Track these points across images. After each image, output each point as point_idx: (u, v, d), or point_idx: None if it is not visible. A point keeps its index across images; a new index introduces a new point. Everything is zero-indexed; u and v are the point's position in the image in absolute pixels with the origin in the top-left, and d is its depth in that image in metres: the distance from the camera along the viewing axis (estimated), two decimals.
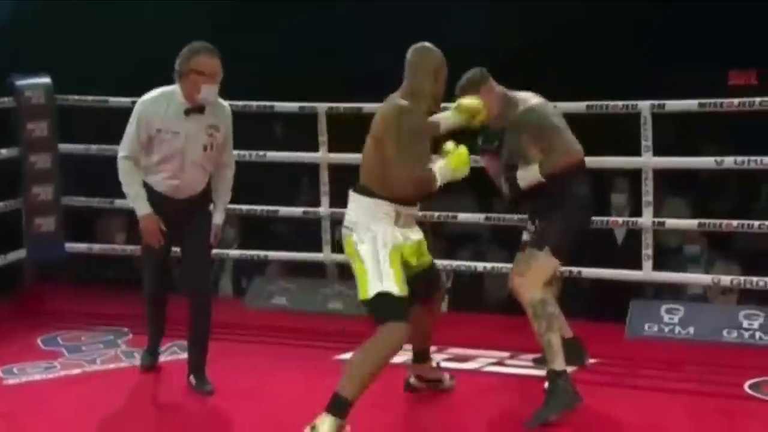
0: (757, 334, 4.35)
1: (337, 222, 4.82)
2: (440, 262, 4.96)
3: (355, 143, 4.30)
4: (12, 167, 4.98)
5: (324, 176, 4.87)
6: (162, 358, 4.21)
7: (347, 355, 4.07)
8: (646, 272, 4.42)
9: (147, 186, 3.64)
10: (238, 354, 4.24)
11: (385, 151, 3.24)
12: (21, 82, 4.95)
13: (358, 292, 3.31)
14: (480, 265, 4.86)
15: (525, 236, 3.81)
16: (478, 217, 4.92)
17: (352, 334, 4.39)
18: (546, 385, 3.50)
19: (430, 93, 3.37)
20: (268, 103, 4.94)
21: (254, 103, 4.88)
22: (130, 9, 6.37)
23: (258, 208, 5.03)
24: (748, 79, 5.83)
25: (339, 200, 4.69)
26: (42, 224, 4.97)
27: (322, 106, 4.80)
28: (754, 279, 4.31)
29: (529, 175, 3.57)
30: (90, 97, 5.10)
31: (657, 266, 4.46)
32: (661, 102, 4.28)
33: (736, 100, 4.16)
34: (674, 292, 4.91)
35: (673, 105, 4.31)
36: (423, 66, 3.36)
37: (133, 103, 4.79)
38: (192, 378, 3.81)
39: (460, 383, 3.90)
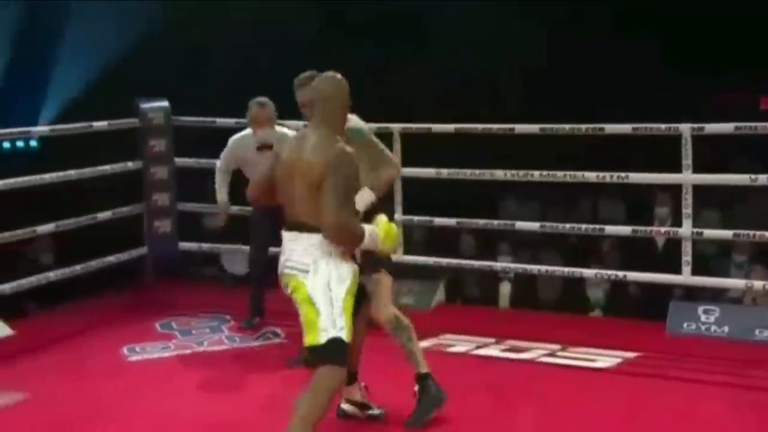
0: None
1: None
2: (502, 264, 5.06)
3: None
4: (136, 177, 5.15)
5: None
6: (256, 343, 4.31)
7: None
8: (686, 276, 4.34)
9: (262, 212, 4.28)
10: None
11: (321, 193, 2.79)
12: (144, 105, 5.12)
13: (304, 337, 2.82)
14: (535, 268, 4.84)
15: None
16: (534, 226, 4.88)
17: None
18: (416, 387, 3.34)
19: (342, 126, 2.96)
20: None
21: None
22: (234, 44, 6.52)
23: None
24: None
25: None
26: (160, 226, 5.11)
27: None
28: None
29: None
30: (201, 118, 5.24)
31: (698, 272, 4.34)
32: (701, 125, 4.21)
33: None
34: (713, 296, 4.79)
35: (712, 128, 4.23)
36: (338, 98, 2.93)
37: (237, 123, 5.07)
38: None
39: (516, 371, 3.90)
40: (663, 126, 4.27)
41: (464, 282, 5.28)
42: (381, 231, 2.97)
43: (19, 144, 6.62)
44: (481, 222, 4.92)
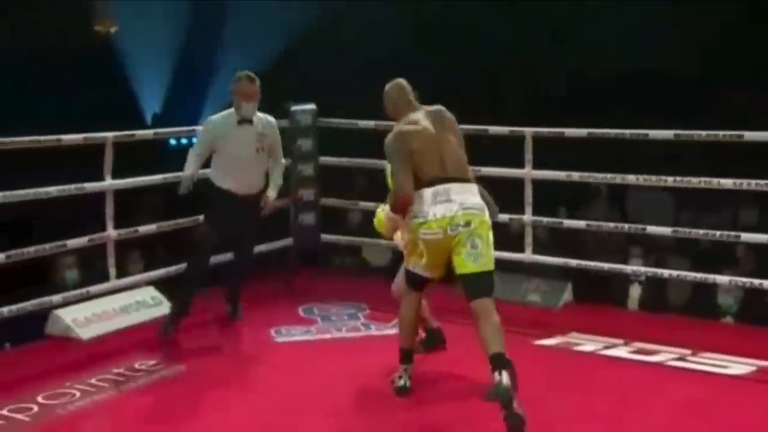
0: None
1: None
2: (633, 268, 4.85)
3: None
4: (285, 174, 5.38)
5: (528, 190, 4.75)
6: (391, 331, 4.35)
7: (545, 341, 4.14)
8: None
9: (215, 186, 4.15)
10: (456, 335, 4.33)
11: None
12: (294, 108, 5.34)
13: (483, 261, 3.28)
14: (666, 272, 4.67)
15: None
16: (665, 230, 4.71)
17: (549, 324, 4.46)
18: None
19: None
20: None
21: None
22: (377, 51, 6.64)
23: None
24: None
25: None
26: (305, 219, 5.30)
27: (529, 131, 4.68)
28: None
29: None
30: (344, 120, 5.39)
31: None
32: None
33: None
34: None
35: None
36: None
37: (377, 125, 5.18)
38: (229, 306, 4.40)
39: (645, 374, 3.79)
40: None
41: (593, 282, 5.12)
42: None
43: (184, 141, 7.08)
44: (611, 225, 4.82)
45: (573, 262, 4.71)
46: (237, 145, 4.08)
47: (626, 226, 4.78)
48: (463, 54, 6.57)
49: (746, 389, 3.67)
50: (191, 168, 4.15)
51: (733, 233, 4.45)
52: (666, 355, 4.02)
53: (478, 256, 3.27)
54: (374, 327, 4.50)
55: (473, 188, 3.37)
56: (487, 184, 5.07)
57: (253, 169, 4.17)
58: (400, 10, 6.58)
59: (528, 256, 4.87)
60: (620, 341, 4.18)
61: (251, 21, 6.63)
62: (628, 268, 4.87)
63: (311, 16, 6.73)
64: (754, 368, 3.82)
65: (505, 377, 3.09)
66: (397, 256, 5.63)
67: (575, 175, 4.70)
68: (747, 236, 4.44)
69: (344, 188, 5.29)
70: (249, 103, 4.09)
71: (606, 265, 4.70)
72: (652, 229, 4.68)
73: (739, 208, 5.90)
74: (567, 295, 4.92)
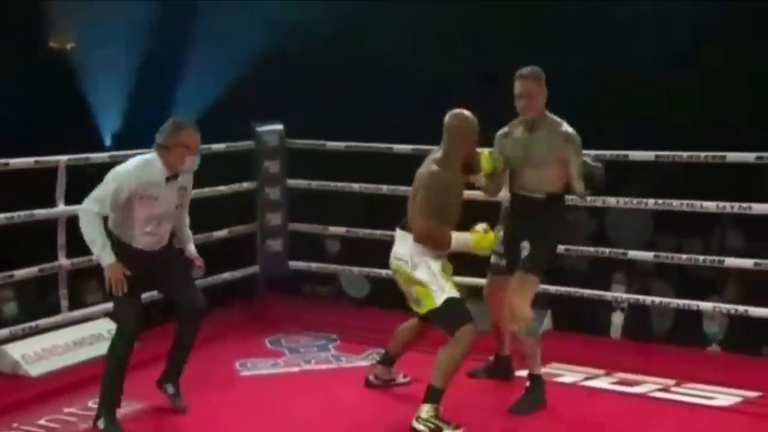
0: None
1: None
2: (615, 294, 4.90)
3: None
4: (250, 198, 5.35)
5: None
6: (363, 363, 4.37)
7: (523, 372, 4.05)
8: None
9: (122, 242, 3.53)
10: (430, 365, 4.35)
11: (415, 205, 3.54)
12: (260, 128, 5.35)
13: (421, 308, 3.54)
14: (648, 299, 4.72)
15: (495, 259, 3.95)
16: (648, 255, 4.77)
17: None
18: (527, 384, 3.77)
19: (461, 156, 3.59)
20: None
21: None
22: (348, 71, 6.66)
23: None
24: None
25: None
26: (272, 245, 5.29)
27: None
28: None
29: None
30: (312, 141, 5.38)
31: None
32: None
33: None
34: None
35: None
36: (456, 132, 3.58)
37: (347, 147, 5.21)
38: (170, 387, 3.76)
39: (628, 406, 3.81)
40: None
41: (574, 310, 5.14)
42: (475, 240, 3.56)
43: None
44: (591, 250, 4.86)
45: (552, 289, 4.74)
46: (160, 204, 3.56)
47: (607, 250, 4.82)
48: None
49: (732, 421, 3.69)
50: (108, 248, 3.46)
51: (717, 258, 4.51)
52: (649, 386, 4.04)
53: (417, 305, 3.59)
54: (345, 359, 4.49)
55: (408, 237, 3.58)
56: (464, 206, 5.18)
57: (168, 226, 3.67)
58: (385, 23, 6.63)
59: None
60: (602, 371, 4.19)
61: (217, 38, 6.64)
62: (609, 295, 4.90)
63: (280, 33, 6.76)
64: (739, 399, 3.86)
65: (422, 410, 3.48)
66: (379, 288, 5.72)
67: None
68: (732, 261, 4.50)
69: (319, 212, 5.26)
70: (194, 155, 3.56)
71: (587, 291, 4.73)
72: (633, 254, 4.73)
73: (723, 230, 5.99)
74: (546, 323, 4.91)
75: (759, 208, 4.30)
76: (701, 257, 4.50)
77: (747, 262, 4.41)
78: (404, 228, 3.62)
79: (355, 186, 5.18)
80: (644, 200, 4.54)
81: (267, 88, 6.57)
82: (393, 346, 3.97)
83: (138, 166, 3.52)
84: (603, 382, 4.10)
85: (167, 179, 3.55)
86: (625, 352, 4.61)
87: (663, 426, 3.63)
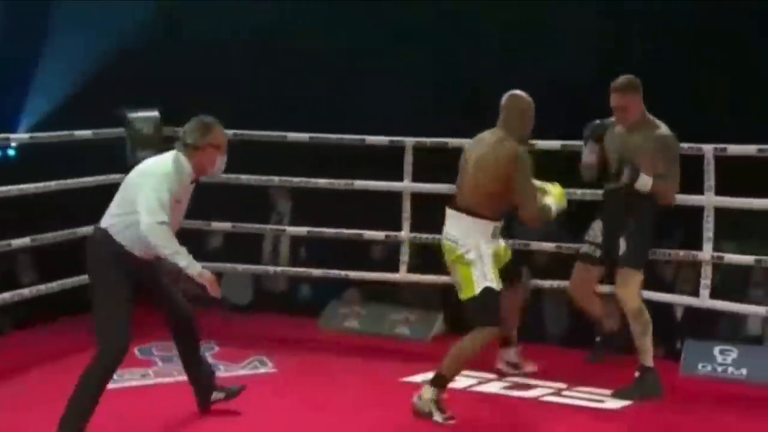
0: None
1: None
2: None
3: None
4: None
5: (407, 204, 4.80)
6: (243, 371, 4.27)
7: (413, 377, 4.17)
8: (703, 300, 4.32)
9: (123, 251, 3.39)
10: (316, 372, 4.29)
11: (510, 186, 3.70)
12: (132, 114, 5.12)
13: (461, 292, 3.71)
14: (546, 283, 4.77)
15: (587, 248, 4.22)
16: (549, 246, 4.78)
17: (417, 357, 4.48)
18: (636, 374, 4.00)
19: (519, 133, 3.79)
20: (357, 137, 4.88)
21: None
22: (233, 48, 6.44)
23: (345, 231, 4.92)
24: None
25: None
26: None
27: (410, 141, 4.74)
28: None
29: (646, 183, 3.89)
30: None
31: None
32: (723, 146, 4.23)
33: None
34: (729, 336, 4.76)
35: (735, 149, 4.25)
36: (513, 110, 3.80)
37: (235, 135, 4.99)
38: (218, 394, 3.72)
39: (519, 410, 3.88)
40: (686, 146, 4.26)
41: (466, 312, 5.23)
42: (557, 197, 3.84)
43: None
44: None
45: (442, 280, 4.67)
46: (183, 208, 3.49)
47: (510, 241, 4.83)
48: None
49: (620, 425, 3.81)
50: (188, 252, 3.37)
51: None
52: (541, 390, 4.12)
53: (458, 287, 3.77)
54: (224, 368, 4.37)
55: (461, 218, 3.73)
56: (363, 197, 5.16)
57: None
58: (264, 8, 6.49)
59: (403, 276, 4.84)
60: (494, 376, 4.25)
61: (83, 19, 6.30)
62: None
63: (163, 8, 6.49)
64: (629, 402, 3.97)
65: (425, 391, 3.70)
66: (261, 293, 5.57)
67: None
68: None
69: (202, 206, 5.12)
70: (223, 156, 3.50)
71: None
72: (537, 244, 4.73)
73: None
74: (438, 326, 4.96)
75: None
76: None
77: None
78: (457, 208, 3.73)
79: (243, 178, 5.02)
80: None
81: (142, 71, 6.31)
82: (503, 328, 4.07)
83: (176, 168, 3.41)
84: (495, 387, 4.16)
85: (192, 182, 3.49)
86: (520, 355, 4.68)
87: (552, 429, 3.70)
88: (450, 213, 3.77)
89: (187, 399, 3.92)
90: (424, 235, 4.82)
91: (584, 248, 4.25)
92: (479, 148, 3.78)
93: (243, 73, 6.46)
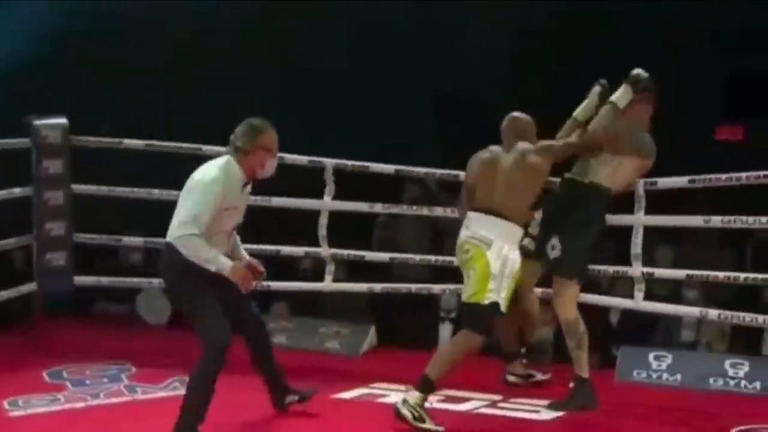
0: (743, 383, 4.32)
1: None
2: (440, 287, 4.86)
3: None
4: (23, 205, 4.93)
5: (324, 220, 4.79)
6: (163, 393, 4.15)
7: (344, 394, 4.12)
8: (637, 302, 4.36)
9: (194, 269, 3.44)
10: (243, 390, 4.16)
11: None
12: (38, 122, 4.94)
13: (466, 292, 3.75)
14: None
15: (526, 241, 4.08)
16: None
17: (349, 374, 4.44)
18: (571, 385, 4.00)
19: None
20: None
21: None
22: (142, 55, 6.36)
23: (266, 247, 4.85)
24: (734, 135, 5.79)
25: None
26: (52, 259, 4.90)
27: (330, 162, 4.75)
28: (741, 314, 4.18)
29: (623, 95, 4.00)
30: (105, 139, 5.04)
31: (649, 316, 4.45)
32: (653, 180, 4.26)
33: (723, 176, 4.13)
34: (664, 342, 4.85)
35: (665, 182, 4.28)
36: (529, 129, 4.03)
37: (148, 145, 4.91)
38: (292, 397, 3.84)
39: (453, 424, 3.82)
40: None
41: (399, 324, 5.19)
42: None
43: None
44: (417, 258, 4.89)
45: (378, 287, 4.77)
46: (238, 214, 3.56)
47: (434, 258, 4.85)
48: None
49: None
50: (218, 254, 3.44)
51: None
52: (476, 403, 4.11)
53: (466, 286, 3.78)
54: (141, 390, 4.23)
55: (497, 222, 3.77)
56: (279, 214, 5.11)
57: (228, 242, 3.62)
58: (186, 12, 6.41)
59: (328, 284, 4.81)
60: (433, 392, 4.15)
61: None
62: (437, 288, 4.84)
63: (69, 12, 6.31)
64: (563, 412, 3.98)
65: (410, 396, 3.67)
66: (177, 312, 5.42)
67: (378, 206, 4.78)
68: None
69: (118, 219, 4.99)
70: (274, 159, 3.57)
71: (414, 286, 4.81)
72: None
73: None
74: (370, 340, 4.96)
75: None
76: None
77: None
78: (491, 212, 3.80)
79: (155, 192, 4.91)
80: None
81: (49, 78, 6.11)
82: (506, 342, 4.28)
83: (226, 173, 3.46)
84: (428, 400, 4.10)
85: (243, 185, 3.53)
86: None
87: None
88: (478, 216, 3.83)
89: (98, 425, 3.78)
90: (346, 252, 4.81)
91: (524, 241, 4.08)
92: (514, 158, 3.90)
93: (156, 80, 6.34)
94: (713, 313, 4.23)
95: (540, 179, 3.91)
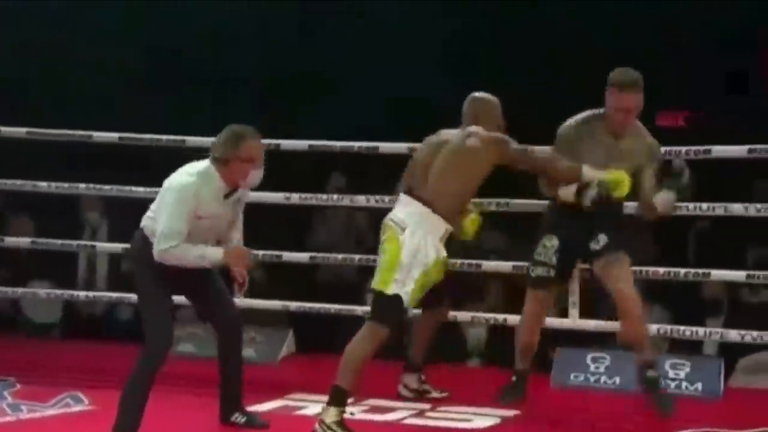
0: (684, 384, 4.31)
1: None
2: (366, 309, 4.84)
3: None
4: None
5: None
6: (52, 411, 3.90)
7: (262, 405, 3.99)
8: (573, 320, 4.36)
9: (157, 264, 3.45)
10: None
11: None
12: None
13: (375, 279, 3.54)
14: None
15: (540, 271, 3.91)
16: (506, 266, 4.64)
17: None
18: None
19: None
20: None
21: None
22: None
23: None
24: (675, 121, 5.88)
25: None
26: None
27: None
28: (682, 328, 4.27)
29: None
30: None
31: (584, 315, 4.36)
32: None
33: (663, 149, 4.04)
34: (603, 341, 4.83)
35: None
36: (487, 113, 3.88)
37: (30, 134, 4.65)
38: (240, 417, 3.72)
39: None
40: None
41: (320, 328, 5.10)
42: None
43: None
44: (340, 257, 4.79)
45: (294, 306, 4.67)
46: (218, 223, 3.52)
47: (357, 257, 4.78)
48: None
49: None
50: (205, 248, 3.46)
51: (474, 261, 4.56)
52: (403, 412, 4.00)
53: (376, 271, 3.57)
54: (26, 408, 3.95)
55: (419, 207, 3.54)
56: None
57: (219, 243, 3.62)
58: None
59: (240, 300, 4.52)
60: (350, 399, 3.93)
61: None
62: (360, 310, 4.77)
63: None
64: (498, 420, 3.90)
65: (325, 414, 3.49)
66: (73, 316, 5.31)
67: (295, 197, 4.66)
68: (489, 264, 4.60)
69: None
70: (258, 169, 3.51)
71: (335, 307, 4.67)
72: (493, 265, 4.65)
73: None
74: (288, 346, 4.88)
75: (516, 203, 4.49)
76: (466, 261, 4.54)
77: (506, 265, 4.48)
78: (415, 196, 3.59)
79: (43, 184, 4.71)
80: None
81: None
82: (414, 350, 4.17)
83: (197, 182, 3.42)
84: (352, 411, 3.90)
85: (225, 196, 3.48)
86: (375, 373, 4.52)
87: None
88: (404, 198, 3.63)
89: None
90: (262, 252, 4.65)
91: (537, 271, 3.87)
92: (449, 142, 3.71)
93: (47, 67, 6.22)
94: (651, 328, 4.20)
95: (477, 169, 3.58)
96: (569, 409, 4.11)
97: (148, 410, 3.46)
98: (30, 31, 6.23)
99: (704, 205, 4.15)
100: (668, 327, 4.25)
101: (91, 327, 5.27)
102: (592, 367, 4.42)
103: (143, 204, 3.89)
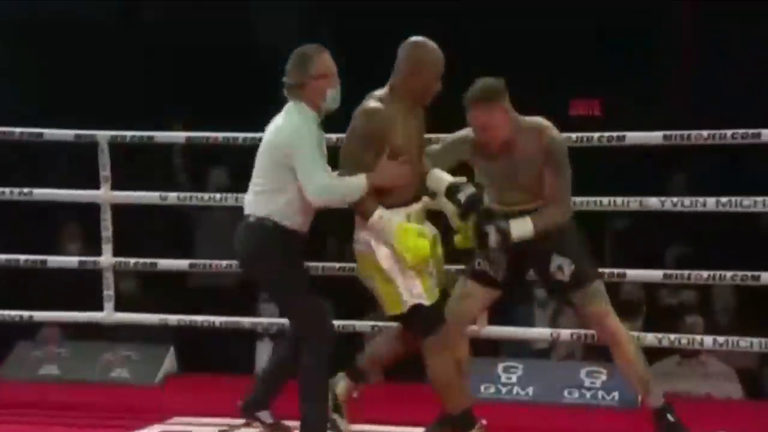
0: (600, 393, 4.28)
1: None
2: (259, 320, 4.81)
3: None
4: None
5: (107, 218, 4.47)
6: None
7: None
8: (481, 326, 4.18)
9: (289, 230, 3.46)
10: None
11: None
12: None
13: (385, 307, 3.44)
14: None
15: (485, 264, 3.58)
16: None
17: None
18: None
19: (409, 89, 3.41)
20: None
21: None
22: None
23: (21, 257, 4.53)
24: (590, 110, 5.93)
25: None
26: None
27: (103, 135, 4.42)
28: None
29: (525, 230, 3.38)
30: None
31: (499, 321, 4.29)
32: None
33: (574, 135, 4.01)
34: (516, 349, 4.83)
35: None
36: (404, 61, 3.42)
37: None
38: (265, 414, 3.77)
39: None
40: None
41: (205, 343, 5.06)
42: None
43: None
44: (223, 264, 4.54)
45: (173, 319, 4.49)
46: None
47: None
48: None
49: None
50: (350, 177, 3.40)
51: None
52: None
53: (380, 299, 3.48)
54: None
55: (356, 220, 3.50)
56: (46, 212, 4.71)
57: None
58: None
59: (109, 315, 4.52)
60: (241, 422, 3.91)
61: None
62: (247, 321, 4.74)
63: None
64: None
65: None
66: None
67: (172, 196, 4.51)
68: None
69: None
70: (335, 86, 3.50)
71: (219, 319, 4.53)
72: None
73: None
74: (168, 364, 4.72)
75: None
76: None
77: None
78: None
79: None
80: None
81: None
82: (370, 356, 3.72)
83: (301, 119, 3.44)
84: None
85: (319, 124, 3.51)
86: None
87: None
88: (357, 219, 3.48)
89: None
90: (133, 260, 4.51)
91: (481, 263, 3.55)
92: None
93: None
94: (564, 333, 4.22)
95: (346, 155, 3.40)
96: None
97: None
98: None
99: (618, 200, 4.12)
100: (582, 332, 4.16)
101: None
102: (504, 378, 4.38)
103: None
